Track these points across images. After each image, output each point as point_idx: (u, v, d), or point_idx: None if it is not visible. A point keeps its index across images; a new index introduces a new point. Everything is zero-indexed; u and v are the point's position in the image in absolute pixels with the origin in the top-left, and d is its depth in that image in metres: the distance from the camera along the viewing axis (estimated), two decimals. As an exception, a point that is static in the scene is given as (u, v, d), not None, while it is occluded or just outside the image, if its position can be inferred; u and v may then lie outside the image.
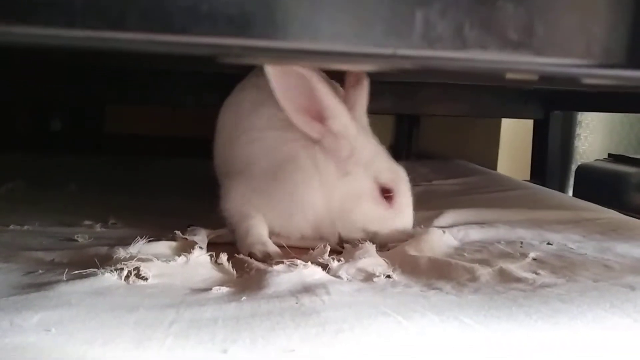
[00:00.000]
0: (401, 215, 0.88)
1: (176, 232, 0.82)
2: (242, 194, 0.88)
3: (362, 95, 0.92)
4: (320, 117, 0.84)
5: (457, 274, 0.71)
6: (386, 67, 0.43)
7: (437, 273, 0.73)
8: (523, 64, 0.37)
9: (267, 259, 0.78)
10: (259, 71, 0.97)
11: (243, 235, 0.84)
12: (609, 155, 1.77)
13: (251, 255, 0.79)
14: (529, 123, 1.96)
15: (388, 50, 0.33)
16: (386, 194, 0.87)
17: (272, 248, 0.82)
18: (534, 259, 0.81)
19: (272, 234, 0.87)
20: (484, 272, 0.72)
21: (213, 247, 0.81)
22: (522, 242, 0.91)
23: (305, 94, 0.81)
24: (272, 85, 0.79)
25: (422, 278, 0.71)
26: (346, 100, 0.88)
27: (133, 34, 0.35)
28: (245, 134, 0.91)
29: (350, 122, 0.85)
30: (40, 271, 0.68)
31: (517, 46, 0.35)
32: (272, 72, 0.79)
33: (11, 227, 0.89)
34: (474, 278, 0.71)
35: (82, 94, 1.67)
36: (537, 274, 0.74)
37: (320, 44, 0.33)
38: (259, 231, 0.85)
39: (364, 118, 0.93)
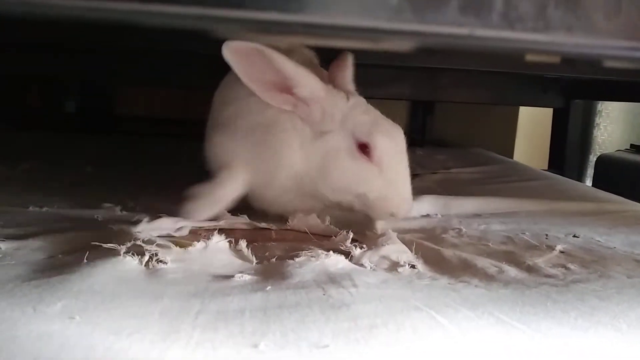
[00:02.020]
0: (386, 172, 0.83)
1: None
2: (225, 141, 0.88)
3: (345, 69, 0.91)
4: (287, 88, 0.82)
5: (483, 270, 0.69)
6: (462, 47, 0.40)
7: (462, 265, 0.71)
8: (610, 48, 0.34)
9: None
10: None
11: (216, 186, 0.84)
12: (631, 145, 1.74)
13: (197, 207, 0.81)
14: (547, 111, 1.92)
15: (464, 31, 0.30)
16: (365, 149, 0.82)
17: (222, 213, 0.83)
18: (562, 252, 0.79)
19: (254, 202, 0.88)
20: (511, 269, 0.70)
21: (230, 232, 0.80)
22: (547, 234, 0.89)
23: (267, 68, 0.80)
24: (233, 65, 0.79)
25: (447, 270, 0.70)
26: (330, 75, 0.88)
27: (134, 4, 0.33)
28: (230, 104, 0.90)
29: (317, 86, 0.83)
30: (60, 255, 0.66)
31: (604, 29, 0.32)
32: (229, 52, 0.77)
33: (30, 208, 0.88)
34: (501, 271, 0.69)
35: (94, 74, 1.65)
36: (566, 268, 0.72)
37: (390, 23, 0.30)
38: (228, 192, 0.85)
39: (350, 87, 0.91)
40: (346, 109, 0.84)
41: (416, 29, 0.30)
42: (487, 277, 0.66)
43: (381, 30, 0.30)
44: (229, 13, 0.36)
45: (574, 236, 0.88)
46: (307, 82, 0.82)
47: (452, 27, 0.30)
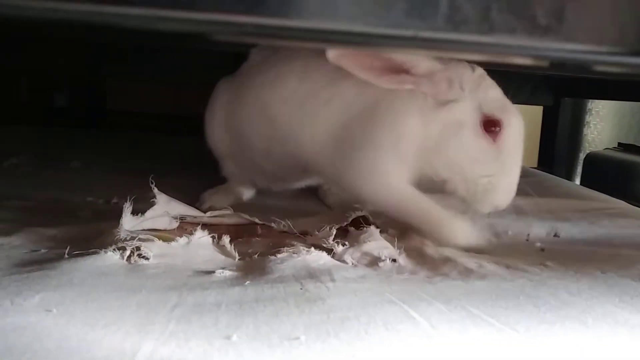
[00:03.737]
0: (505, 158, 0.75)
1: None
2: (389, 169, 0.78)
3: None
4: (402, 70, 0.75)
5: (463, 264, 0.70)
6: (407, 51, 0.41)
7: (442, 259, 0.72)
8: (552, 50, 0.35)
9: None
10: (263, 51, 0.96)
11: (437, 226, 0.77)
12: (619, 144, 1.75)
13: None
14: (537, 109, 1.93)
15: (409, 32, 0.31)
16: (491, 127, 0.74)
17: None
18: (542, 250, 0.80)
19: None
20: (490, 265, 0.70)
21: (215, 228, 0.80)
22: (529, 235, 0.89)
23: (375, 58, 0.73)
24: (340, 64, 0.73)
25: (427, 264, 0.70)
26: None
27: (138, 9, 0.33)
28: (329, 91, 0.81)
29: (433, 61, 0.76)
30: (43, 250, 0.67)
31: (546, 31, 0.33)
32: (334, 57, 0.72)
33: (13, 202, 0.88)
34: (480, 266, 0.70)
35: (85, 68, 1.65)
36: (544, 265, 0.73)
37: (338, 24, 0.31)
38: (450, 215, 0.77)
39: None
40: (476, 78, 0.76)
41: (360, 30, 0.31)
42: (466, 271, 0.67)
43: (324, 32, 0.31)
44: (229, 18, 0.36)
45: (555, 235, 0.89)
46: (420, 61, 0.75)
47: (397, 29, 0.31)
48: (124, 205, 0.74)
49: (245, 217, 0.86)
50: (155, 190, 0.77)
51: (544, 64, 0.40)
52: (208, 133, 1.02)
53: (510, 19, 0.32)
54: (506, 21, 0.32)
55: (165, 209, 0.79)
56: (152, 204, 0.77)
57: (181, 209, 0.83)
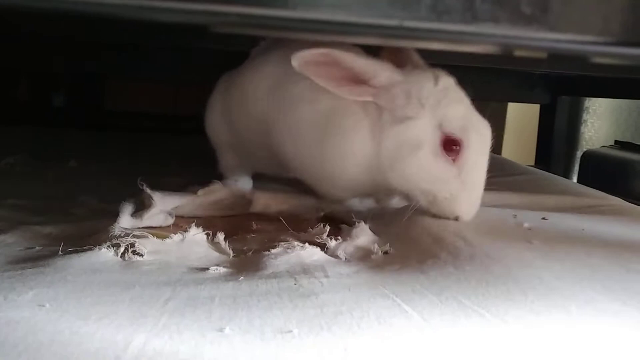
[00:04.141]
0: (465, 177, 0.74)
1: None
2: (335, 181, 0.84)
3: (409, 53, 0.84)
4: (363, 80, 0.76)
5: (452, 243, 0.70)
6: (392, 41, 0.42)
7: (431, 240, 0.72)
8: (536, 39, 0.35)
9: None
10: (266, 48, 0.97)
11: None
12: (615, 142, 1.75)
13: None
14: (535, 108, 1.93)
15: (393, 22, 0.32)
16: (452, 146, 0.74)
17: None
18: (528, 229, 0.79)
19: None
20: (477, 242, 0.69)
21: (210, 225, 0.80)
22: (515, 215, 0.87)
23: (337, 67, 0.74)
24: (305, 73, 0.74)
25: (417, 248, 0.70)
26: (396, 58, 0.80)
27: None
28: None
29: (393, 71, 0.76)
30: (37, 248, 0.67)
31: (530, 21, 0.33)
32: (299, 64, 0.73)
33: (9, 201, 0.88)
34: (468, 244, 0.69)
35: (84, 68, 1.65)
36: (530, 242, 0.72)
37: (322, 13, 0.31)
38: None
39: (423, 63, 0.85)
40: (437, 92, 0.75)
41: (344, 19, 0.31)
42: (455, 250, 0.67)
43: (308, 21, 0.32)
44: (213, 7, 0.37)
45: (543, 219, 0.88)
46: (380, 71, 0.75)
47: (381, 19, 0.31)
48: (120, 205, 0.75)
49: (237, 189, 0.87)
50: (148, 190, 0.78)
51: (528, 53, 0.40)
52: (207, 123, 1.05)
53: (494, 8, 0.32)
54: (490, 10, 0.32)
55: (161, 207, 0.80)
56: (148, 204, 0.78)
57: (176, 200, 0.83)
